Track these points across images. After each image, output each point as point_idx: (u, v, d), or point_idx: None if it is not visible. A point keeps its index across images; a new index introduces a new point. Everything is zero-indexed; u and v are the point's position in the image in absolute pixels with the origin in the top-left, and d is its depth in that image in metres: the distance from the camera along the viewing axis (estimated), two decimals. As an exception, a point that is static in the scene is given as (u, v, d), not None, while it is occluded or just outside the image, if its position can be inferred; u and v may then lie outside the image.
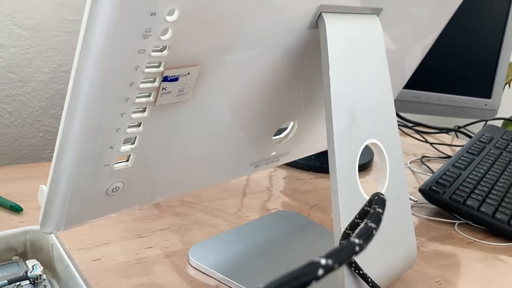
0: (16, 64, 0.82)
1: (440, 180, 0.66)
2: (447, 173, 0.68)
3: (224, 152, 0.44)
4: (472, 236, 0.61)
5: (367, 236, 0.19)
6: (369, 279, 0.39)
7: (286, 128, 0.50)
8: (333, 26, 0.39)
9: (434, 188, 0.64)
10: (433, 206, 0.66)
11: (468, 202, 0.62)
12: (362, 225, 0.20)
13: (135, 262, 0.48)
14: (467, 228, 0.63)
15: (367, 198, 0.41)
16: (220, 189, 0.67)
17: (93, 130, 0.31)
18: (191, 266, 0.48)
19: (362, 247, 0.18)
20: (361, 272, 0.39)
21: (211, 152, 0.43)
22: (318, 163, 0.76)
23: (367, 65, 0.43)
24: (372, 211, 0.22)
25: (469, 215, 0.62)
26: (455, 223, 0.63)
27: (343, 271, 0.39)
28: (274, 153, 0.50)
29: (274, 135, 0.48)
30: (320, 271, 0.16)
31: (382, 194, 0.25)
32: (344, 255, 0.17)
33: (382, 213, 0.22)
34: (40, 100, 0.86)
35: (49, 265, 0.43)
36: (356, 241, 0.18)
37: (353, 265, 0.39)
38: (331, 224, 0.60)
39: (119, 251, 0.49)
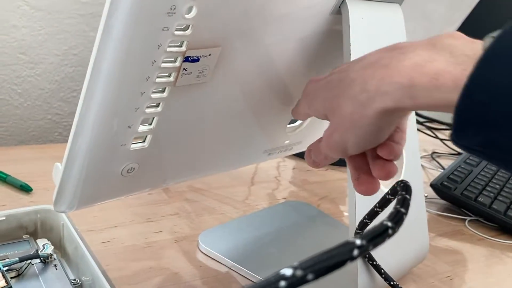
0: (27, 45, 0.81)
1: (451, 176, 0.65)
2: (459, 169, 0.68)
3: (239, 138, 0.44)
4: (483, 233, 0.60)
5: (398, 219, 0.18)
6: (382, 270, 0.39)
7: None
8: (356, 13, 0.38)
9: (445, 183, 0.64)
10: (443, 202, 0.66)
11: (479, 199, 0.61)
12: (392, 210, 0.19)
13: (144, 245, 0.47)
14: (478, 224, 0.62)
15: (383, 188, 0.41)
16: (229, 177, 0.66)
17: (112, 109, 0.30)
18: (201, 251, 0.48)
19: (394, 231, 0.17)
20: (375, 263, 0.39)
21: (226, 137, 0.42)
22: (328, 155, 0.75)
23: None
24: (400, 197, 0.21)
25: (480, 212, 0.61)
26: (465, 219, 0.63)
27: (356, 262, 0.38)
28: (287, 141, 0.50)
29: (289, 124, 0.47)
30: (356, 252, 0.16)
31: (407, 181, 0.24)
32: (379, 237, 0.17)
33: (410, 199, 0.21)
34: (50, 82, 0.85)
35: (59, 245, 0.43)
36: (389, 224, 0.18)
37: (367, 255, 0.38)
38: (341, 216, 0.60)
39: (128, 234, 0.49)
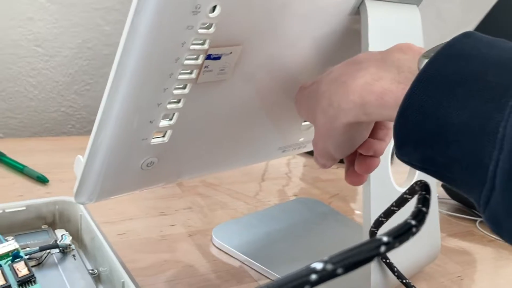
0: (43, 38, 0.82)
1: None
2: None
3: (254, 134, 0.44)
4: (494, 234, 0.61)
5: (421, 218, 0.19)
6: (395, 268, 0.39)
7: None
8: (375, 13, 0.39)
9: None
10: (454, 202, 0.66)
11: (490, 200, 0.61)
12: (414, 209, 0.20)
13: (159, 238, 0.48)
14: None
15: (398, 188, 0.41)
16: (240, 172, 0.67)
17: (136, 104, 0.31)
18: (214, 246, 0.49)
19: (418, 229, 0.18)
20: (388, 261, 0.39)
21: (242, 133, 0.43)
22: (339, 153, 0.76)
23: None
24: (421, 196, 0.22)
25: (491, 213, 0.61)
26: (476, 220, 0.63)
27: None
28: (302, 139, 0.50)
29: (304, 121, 0.48)
30: (383, 248, 0.16)
31: (426, 181, 0.25)
32: (403, 235, 0.17)
33: (430, 199, 0.22)
34: (64, 75, 0.86)
35: (76, 236, 0.44)
36: (413, 222, 0.18)
37: (380, 254, 0.39)
38: (352, 214, 0.60)
39: (143, 227, 0.50)
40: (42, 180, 0.56)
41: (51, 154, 0.66)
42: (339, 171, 0.73)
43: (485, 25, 0.55)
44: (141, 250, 0.46)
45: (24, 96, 0.84)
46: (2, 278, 0.33)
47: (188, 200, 0.57)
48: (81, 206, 0.43)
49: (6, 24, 0.78)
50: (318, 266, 0.15)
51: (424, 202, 0.21)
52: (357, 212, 0.61)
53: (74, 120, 0.90)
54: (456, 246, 0.57)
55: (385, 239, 0.16)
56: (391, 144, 0.41)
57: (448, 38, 0.59)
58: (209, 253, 0.47)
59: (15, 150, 0.61)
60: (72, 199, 0.44)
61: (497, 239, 0.60)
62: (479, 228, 0.62)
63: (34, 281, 0.34)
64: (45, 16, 0.81)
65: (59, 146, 0.70)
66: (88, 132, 0.94)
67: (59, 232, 0.43)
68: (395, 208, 0.33)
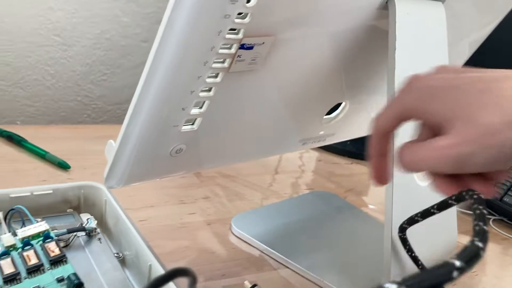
0: (62, 28, 0.83)
1: (477, 175, 0.66)
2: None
3: (279, 125, 0.45)
4: (507, 232, 0.61)
5: (486, 239, 0.20)
6: (420, 262, 0.40)
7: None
8: (403, 8, 0.39)
9: (471, 182, 0.64)
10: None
11: (505, 199, 0.62)
12: (477, 228, 0.21)
13: (179, 226, 0.49)
14: (502, 224, 0.63)
15: (420, 183, 0.42)
16: (256, 165, 0.68)
17: (170, 91, 0.32)
18: (233, 234, 0.49)
19: (484, 250, 0.19)
20: (413, 254, 0.40)
21: (267, 124, 0.44)
22: (354, 149, 0.76)
23: (429, 50, 0.43)
24: (479, 212, 0.22)
25: (505, 212, 0.62)
26: (490, 218, 0.63)
27: (390, 251, 0.39)
28: (322, 132, 0.51)
29: (326, 114, 0.49)
30: (455, 273, 0.17)
31: (479, 193, 0.25)
32: (474, 259, 0.18)
33: (486, 214, 0.22)
34: (81, 65, 0.87)
35: (100, 221, 0.44)
36: (480, 244, 0.19)
37: (407, 246, 0.39)
38: (366, 209, 0.61)
39: (163, 214, 0.51)
40: (63, 166, 0.57)
41: (70, 141, 0.67)
42: (353, 167, 0.74)
43: (503, 27, 0.56)
44: (162, 237, 0.47)
45: (41, 84, 0.85)
46: (35, 257, 0.34)
47: (207, 190, 0.58)
48: (106, 192, 0.44)
49: (26, 13, 0.79)
50: (391, 287, 0.16)
51: (483, 218, 0.22)
52: (371, 206, 0.62)
53: (90, 110, 0.91)
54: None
55: (457, 263, 0.17)
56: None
57: (464, 39, 0.59)
58: (228, 241, 0.48)
59: (35, 136, 0.62)
60: (97, 184, 0.45)
61: (511, 237, 0.60)
62: (493, 226, 0.62)
63: (66, 261, 0.35)
64: (65, 6, 0.82)
65: (77, 134, 0.71)
66: (103, 122, 0.95)
67: (84, 216, 0.43)
68: (435, 211, 0.33)
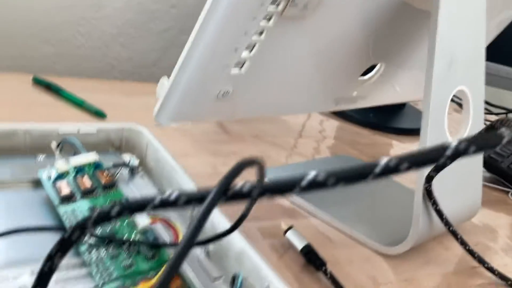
0: (95, -13, 0.84)
1: (498, 151, 0.67)
2: (506, 144, 0.70)
3: (318, 79, 0.46)
4: (526, 205, 0.63)
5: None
6: (444, 216, 0.42)
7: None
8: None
9: (493, 156, 0.66)
10: (488, 175, 0.68)
11: (526, 173, 0.63)
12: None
13: (214, 174, 0.51)
14: (520, 197, 0.65)
15: (451, 139, 0.43)
16: (282, 128, 0.69)
17: (227, 29, 0.33)
18: (264, 186, 0.51)
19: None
20: (437, 207, 0.41)
21: (307, 77, 0.45)
22: (376, 120, 0.78)
23: (469, 14, 0.44)
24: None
25: (524, 185, 0.63)
26: (509, 191, 0.65)
27: (421, 202, 0.41)
28: (355, 93, 0.52)
29: (362, 74, 0.50)
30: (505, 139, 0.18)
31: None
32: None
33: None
34: (111, 27, 0.89)
35: (140, 163, 0.46)
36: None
37: (432, 200, 0.41)
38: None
39: (198, 163, 0.53)
40: (100, 114, 0.58)
41: (106, 94, 0.68)
42: (376, 137, 0.75)
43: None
44: (200, 183, 0.49)
45: (71, 44, 0.86)
46: (89, 181, 0.36)
47: (237, 146, 0.60)
48: (147, 134, 0.46)
49: (63, -30, 0.80)
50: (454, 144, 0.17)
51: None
52: (393, 174, 0.63)
53: (117, 72, 0.92)
54: (488, 212, 0.59)
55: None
56: (449, 97, 0.43)
57: (494, 18, 0.59)
58: (260, 192, 0.50)
59: (70, 87, 0.64)
60: (139, 127, 0.47)
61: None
62: (511, 198, 0.64)
63: (116, 188, 0.37)
64: (99, -34, 0.83)
65: (111, 88, 0.72)
66: (129, 85, 0.97)
67: (126, 156, 0.45)
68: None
